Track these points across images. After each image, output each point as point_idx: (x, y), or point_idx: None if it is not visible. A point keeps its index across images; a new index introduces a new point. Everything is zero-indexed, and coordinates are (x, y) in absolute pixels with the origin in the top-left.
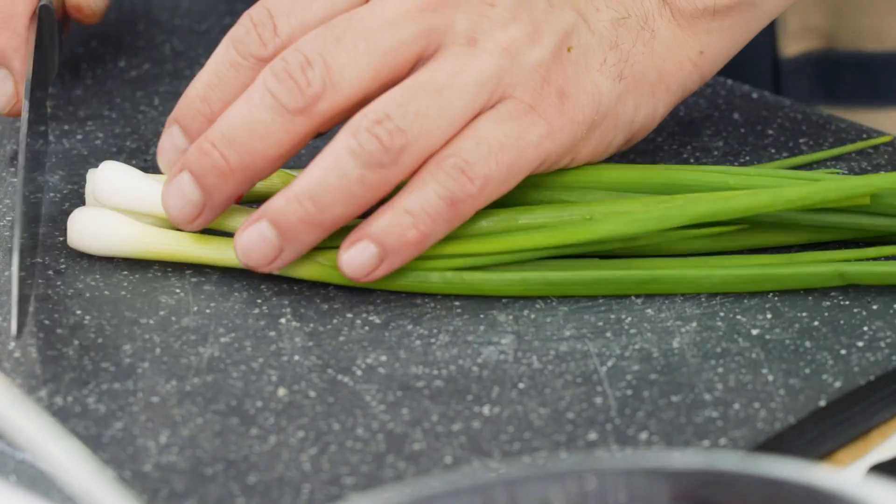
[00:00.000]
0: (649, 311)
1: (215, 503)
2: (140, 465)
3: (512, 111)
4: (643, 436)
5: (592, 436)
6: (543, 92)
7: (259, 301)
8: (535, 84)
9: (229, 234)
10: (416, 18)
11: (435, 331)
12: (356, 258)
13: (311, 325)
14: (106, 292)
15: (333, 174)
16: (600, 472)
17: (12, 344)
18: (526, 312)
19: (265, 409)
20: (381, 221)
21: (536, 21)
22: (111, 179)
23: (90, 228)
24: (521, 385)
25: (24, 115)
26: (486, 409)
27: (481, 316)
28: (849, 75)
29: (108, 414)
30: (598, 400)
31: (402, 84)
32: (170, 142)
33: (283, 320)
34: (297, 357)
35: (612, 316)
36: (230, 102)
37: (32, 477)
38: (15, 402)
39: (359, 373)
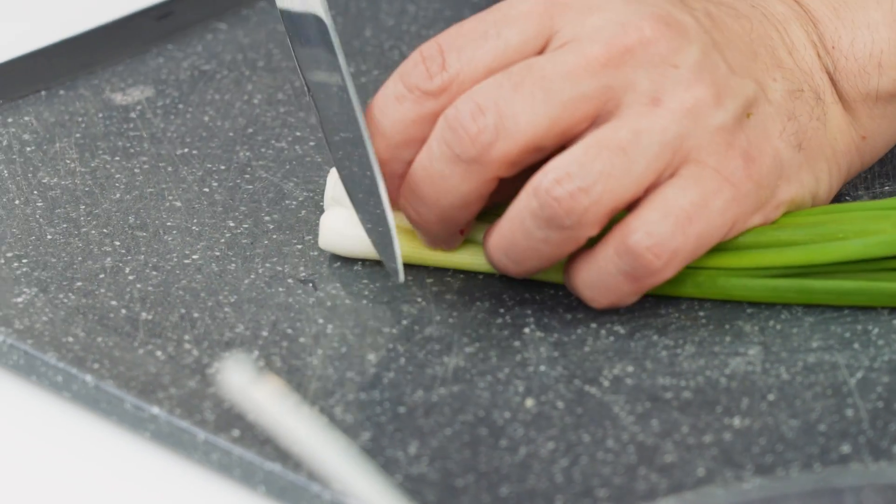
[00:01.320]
0: None
1: None
2: (390, 477)
3: (697, 176)
4: None
5: (846, 448)
6: (728, 155)
7: (501, 311)
8: (719, 147)
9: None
10: (597, 73)
11: (681, 341)
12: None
13: (556, 335)
14: (347, 301)
15: (519, 234)
16: (860, 489)
17: (256, 352)
18: (772, 323)
19: (514, 420)
20: (569, 281)
21: (718, 85)
22: None
23: (344, 229)
24: (770, 396)
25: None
26: (736, 421)
27: (726, 326)
28: None
29: (355, 424)
30: (850, 412)
31: (583, 141)
32: None
33: (526, 330)
34: (542, 367)
35: (859, 327)
36: (389, 136)
37: (282, 488)
38: (285, 410)
39: (606, 384)
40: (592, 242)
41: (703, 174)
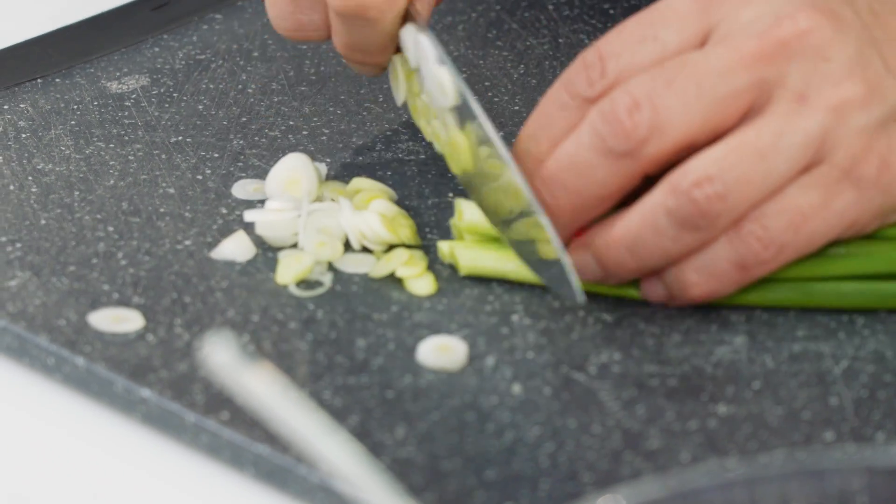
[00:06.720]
0: (882, 312)
1: (453, 498)
2: (377, 460)
3: (824, 177)
4: (880, 436)
5: (829, 436)
6: (864, 159)
7: (490, 298)
8: (857, 150)
9: None
10: (749, 68)
11: (667, 329)
12: (648, 289)
13: (544, 322)
14: (337, 287)
15: (649, 230)
16: (841, 471)
17: (246, 336)
18: (757, 313)
19: (500, 406)
20: (669, 275)
21: (870, 83)
22: None
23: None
24: (755, 385)
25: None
26: (721, 409)
27: (712, 315)
28: None
29: (343, 408)
30: (834, 400)
31: (725, 143)
32: None
33: (514, 317)
34: (530, 354)
35: (845, 317)
36: (557, 142)
37: (270, 470)
38: (275, 393)
39: (593, 370)
40: None
41: (830, 176)
